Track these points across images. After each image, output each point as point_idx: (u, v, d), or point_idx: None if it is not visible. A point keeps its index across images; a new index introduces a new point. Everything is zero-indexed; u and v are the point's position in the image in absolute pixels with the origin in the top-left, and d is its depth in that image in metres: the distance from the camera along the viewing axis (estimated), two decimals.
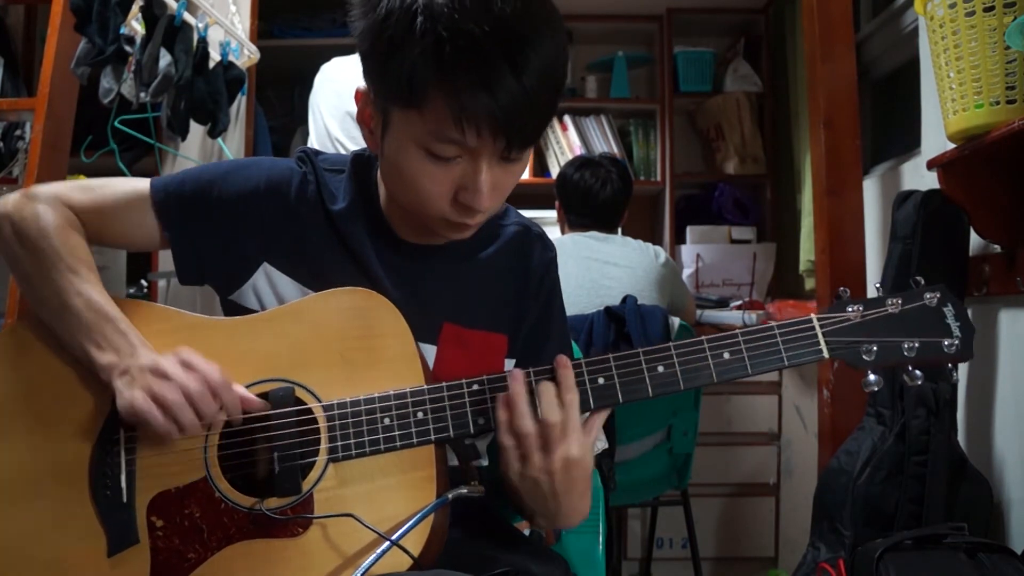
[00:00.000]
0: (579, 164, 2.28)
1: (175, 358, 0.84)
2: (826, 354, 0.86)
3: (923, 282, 0.89)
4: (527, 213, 1.11)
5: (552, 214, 2.39)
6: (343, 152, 1.96)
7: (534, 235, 1.07)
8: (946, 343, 0.86)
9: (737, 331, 0.87)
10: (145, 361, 0.83)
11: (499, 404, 0.84)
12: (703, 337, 0.87)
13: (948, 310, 0.87)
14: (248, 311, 0.96)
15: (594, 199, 2.23)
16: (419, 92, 0.78)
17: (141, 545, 0.83)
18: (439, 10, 0.76)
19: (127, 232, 0.96)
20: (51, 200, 0.92)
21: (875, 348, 0.86)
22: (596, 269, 2.14)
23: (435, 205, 0.87)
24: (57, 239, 0.88)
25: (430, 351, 0.97)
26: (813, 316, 0.88)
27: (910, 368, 0.86)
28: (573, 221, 2.29)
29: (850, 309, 0.88)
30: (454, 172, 0.84)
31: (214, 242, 0.96)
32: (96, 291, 0.87)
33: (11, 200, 0.92)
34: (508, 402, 0.84)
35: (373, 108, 0.88)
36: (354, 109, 2.33)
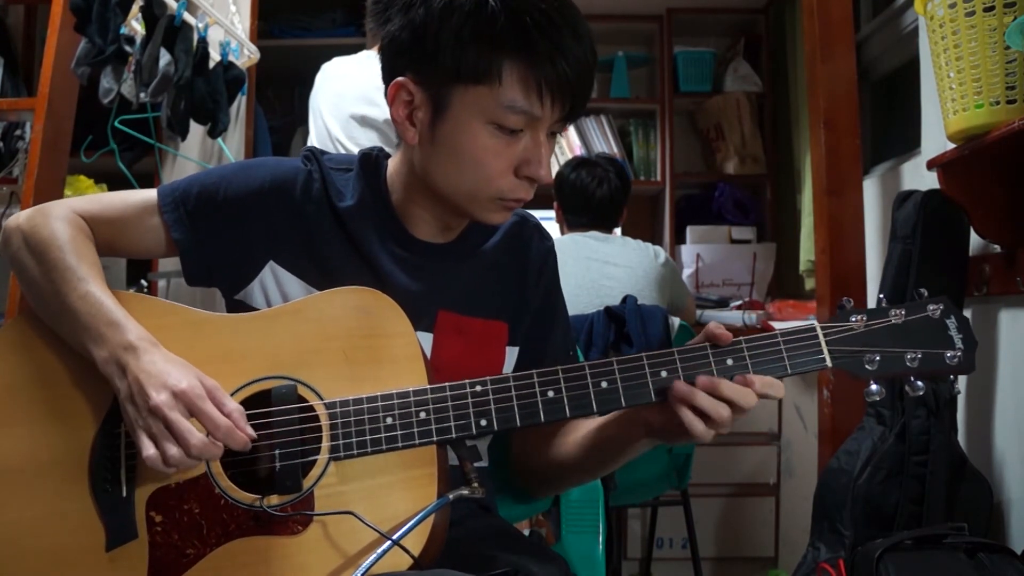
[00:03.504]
0: (576, 164, 2.28)
1: (183, 398, 0.81)
2: (829, 363, 0.86)
3: (926, 293, 0.89)
4: None
5: (552, 214, 2.39)
6: (343, 153, 1.96)
7: (531, 225, 1.09)
8: (948, 355, 0.86)
9: (741, 339, 0.87)
10: (141, 369, 0.81)
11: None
12: (707, 343, 0.86)
13: (951, 322, 0.87)
14: (254, 311, 0.96)
15: (591, 198, 2.23)
16: (496, 66, 0.85)
17: (140, 540, 0.83)
18: None
19: (138, 240, 0.97)
20: (64, 214, 0.93)
21: (878, 358, 0.86)
22: (596, 269, 2.14)
23: (496, 183, 0.90)
24: (69, 251, 0.89)
25: (427, 339, 0.98)
26: (816, 324, 0.88)
27: (911, 379, 0.86)
28: (571, 221, 2.29)
29: (853, 319, 0.88)
30: (516, 147, 0.89)
31: (221, 242, 0.96)
32: (99, 290, 0.87)
33: (24, 214, 0.94)
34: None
35: (422, 96, 0.90)
36: (356, 111, 2.33)
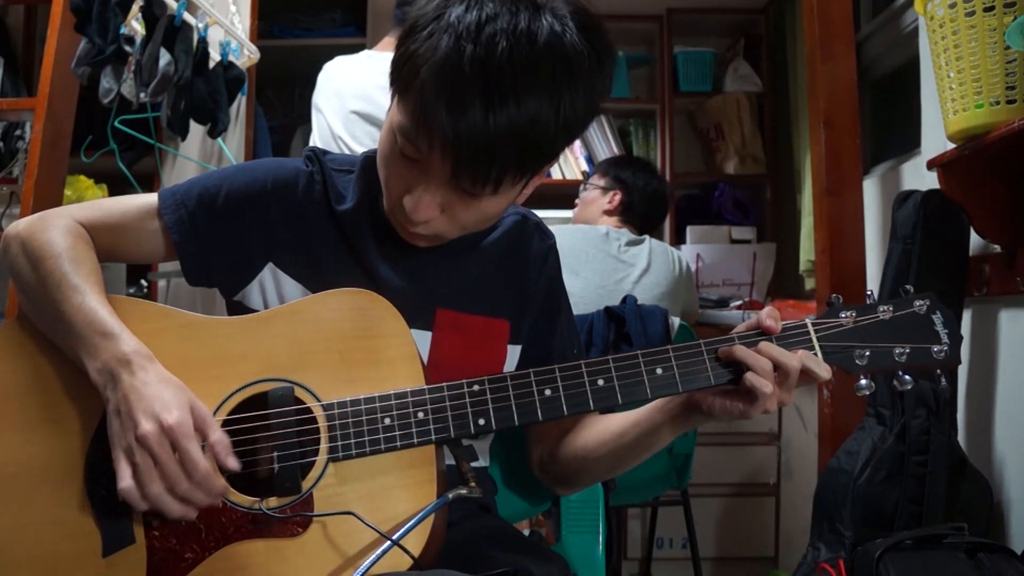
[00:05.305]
0: (650, 171, 2.36)
1: (169, 430, 0.77)
2: (821, 358, 0.87)
3: (912, 290, 0.91)
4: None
5: (558, 214, 2.40)
6: (346, 151, 1.96)
7: (532, 224, 1.09)
8: (935, 349, 0.88)
9: (734, 336, 0.88)
10: (131, 384, 0.79)
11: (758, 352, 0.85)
12: (700, 341, 0.88)
13: (936, 317, 0.90)
14: (252, 312, 0.97)
15: (665, 207, 2.38)
16: (405, 82, 0.81)
17: (137, 545, 0.82)
18: (458, 25, 0.77)
19: (138, 245, 0.97)
20: (63, 221, 0.92)
21: (868, 353, 0.88)
22: (622, 271, 2.14)
23: (389, 197, 0.90)
24: (66, 259, 0.88)
25: (425, 337, 0.98)
26: (808, 322, 0.89)
27: (900, 373, 0.88)
28: (630, 220, 2.31)
29: (843, 315, 0.90)
30: (411, 174, 0.85)
31: (220, 243, 0.96)
32: (95, 300, 0.85)
33: (24, 222, 0.93)
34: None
35: None
36: (357, 108, 2.32)
